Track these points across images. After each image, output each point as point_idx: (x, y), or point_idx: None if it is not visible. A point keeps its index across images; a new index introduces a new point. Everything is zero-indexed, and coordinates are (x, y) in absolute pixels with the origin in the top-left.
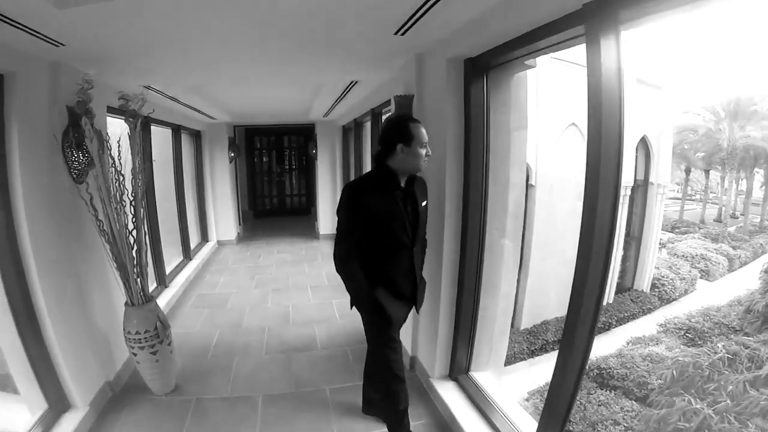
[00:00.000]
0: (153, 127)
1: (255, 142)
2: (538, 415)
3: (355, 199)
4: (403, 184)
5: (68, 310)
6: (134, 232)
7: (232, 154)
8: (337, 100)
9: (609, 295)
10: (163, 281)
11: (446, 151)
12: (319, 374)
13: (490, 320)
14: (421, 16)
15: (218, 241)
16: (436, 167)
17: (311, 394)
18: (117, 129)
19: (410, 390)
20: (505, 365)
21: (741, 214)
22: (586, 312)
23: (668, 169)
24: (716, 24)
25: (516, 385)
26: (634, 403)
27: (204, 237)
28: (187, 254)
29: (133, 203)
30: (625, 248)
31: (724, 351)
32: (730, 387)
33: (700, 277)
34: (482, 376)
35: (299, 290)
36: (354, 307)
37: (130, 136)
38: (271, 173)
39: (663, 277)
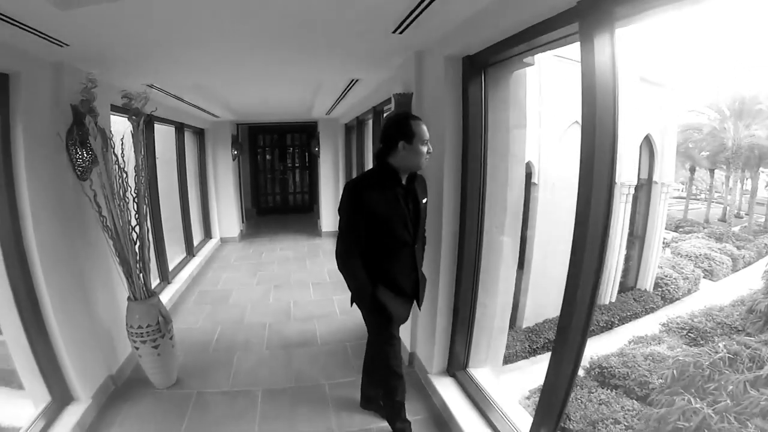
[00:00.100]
0: (156, 125)
1: (258, 140)
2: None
3: (356, 198)
4: (404, 182)
5: (72, 304)
6: (137, 228)
7: (235, 152)
8: (339, 98)
9: (612, 294)
10: (166, 277)
11: (445, 148)
12: (319, 369)
13: (488, 317)
14: (419, 14)
15: (221, 238)
16: (435, 165)
17: (310, 389)
18: (120, 127)
19: (408, 386)
20: (506, 363)
21: (746, 214)
22: (579, 312)
23: (672, 168)
24: (721, 22)
25: (517, 383)
26: (635, 402)
27: (207, 234)
28: (190, 251)
29: (136, 200)
30: (629, 247)
31: (725, 351)
32: (731, 387)
33: (704, 277)
34: (480, 373)
35: (301, 287)
36: (354, 304)
37: (133, 134)
38: (274, 171)
39: (666, 276)
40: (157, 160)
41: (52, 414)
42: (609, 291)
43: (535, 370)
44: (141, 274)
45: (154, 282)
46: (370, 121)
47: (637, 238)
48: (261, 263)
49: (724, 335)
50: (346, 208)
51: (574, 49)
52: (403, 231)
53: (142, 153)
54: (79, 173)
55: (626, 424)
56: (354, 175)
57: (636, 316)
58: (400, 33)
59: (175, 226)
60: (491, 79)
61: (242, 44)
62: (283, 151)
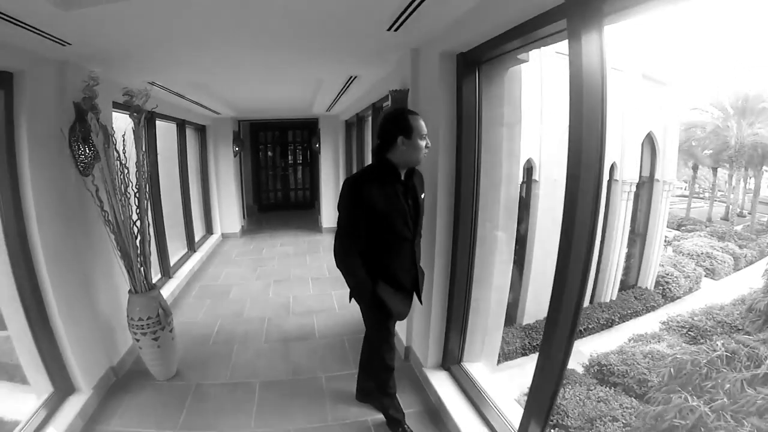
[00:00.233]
0: (158, 122)
1: (260, 137)
2: None
3: (355, 194)
4: (403, 178)
5: (74, 297)
6: (138, 223)
7: (237, 149)
8: (338, 94)
9: (612, 292)
10: (167, 272)
11: (439, 144)
12: (316, 362)
13: (482, 312)
14: (412, 12)
15: (222, 234)
16: (429, 160)
17: (307, 381)
18: (122, 124)
19: (404, 379)
20: (506, 360)
21: (748, 213)
22: (565, 313)
23: (674, 166)
24: (724, 19)
25: (516, 379)
26: (633, 400)
27: (208, 230)
28: (192, 246)
29: (137, 195)
30: (630, 245)
31: (722, 349)
32: (728, 385)
33: (705, 276)
34: (474, 367)
35: (300, 282)
36: (353, 300)
37: (134, 131)
38: (276, 167)
39: (668, 274)
40: (158, 157)
41: (54, 404)
42: (609, 289)
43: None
44: (142, 268)
45: (156, 277)
46: (370, 118)
47: (638, 235)
48: (261, 259)
49: (724, 334)
50: (345, 205)
51: None
52: (403, 226)
53: (143, 149)
54: (81, 169)
55: (624, 421)
56: (354, 172)
57: (636, 314)
58: (395, 30)
59: (177, 222)
60: (485, 75)
61: (242, 43)
62: (285, 147)
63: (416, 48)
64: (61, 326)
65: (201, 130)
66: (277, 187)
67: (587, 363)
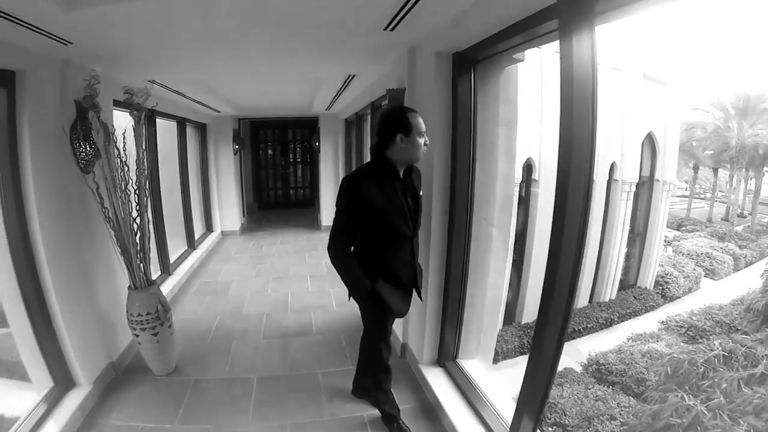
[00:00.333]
0: (159, 120)
1: (260, 135)
2: None
3: (353, 192)
4: (401, 175)
5: (75, 293)
6: (138, 220)
7: (237, 147)
8: (338, 93)
9: (612, 292)
10: (167, 269)
11: (434, 142)
12: (313, 358)
13: (478, 309)
14: (407, 12)
15: (222, 232)
16: (425, 158)
17: (304, 377)
18: (123, 122)
19: (400, 375)
20: (505, 358)
21: (749, 214)
22: (556, 311)
23: (674, 166)
24: (725, 20)
25: (514, 377)
26: (631, 399)
27: (208, 227)
28: (192, 244)
29: (137, 192)
30: (629, 245)
31: (720, 348)
32: (725, 384)
33: (705, 276)
34: (469, 364)
35: (299, 279)
36: (352, 298)
37: (134, 129)
38: (276, 166)
39: (667, 274)
40: (159, 155)
41: (54, 398)
42: (609, 288)
43: None
44: (141, 264)
45: (156, 274)
46: (369, 116)
47: (638, 235)
48: (261, 256)
49: (723, 334)
50: (342, 202)
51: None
52: (402, 224)
53: (144, 147)
54: (82, 166)
55: (622, 420)
56: (353, 170)
57: (636, 313)
58: (392, 30)
59: (177, 219)
60: (481, 75)
61: (242, 42)
62: (285, 146)
63: (413, 47)
64: (62, 322)
65: (201, 128)
66: (277, 185)
67: (585, 362)
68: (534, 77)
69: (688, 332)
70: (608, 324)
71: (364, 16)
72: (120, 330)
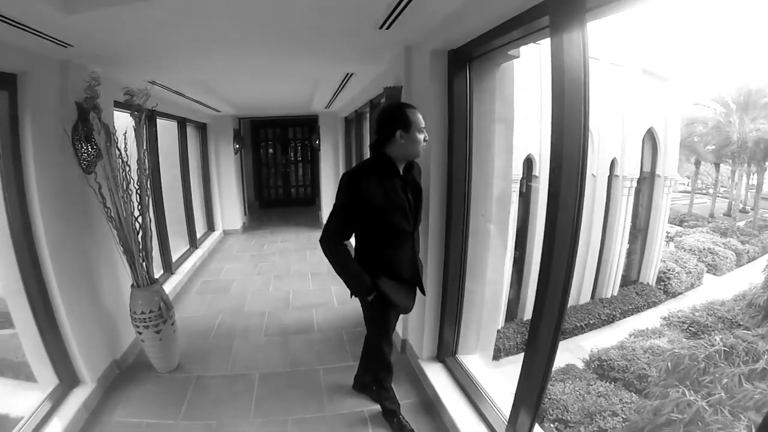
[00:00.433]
0: (159, 120)
1: (260, 134)
2: None
3: (353, 187)
4: (401, 172)
5: (78, 292)
6: (140, 219)
7: (237, 146)
8: (336, 92)
9: (614, 288)
10: (169, 268)
11: (431, 139)
12: (314, 355)
13: (477, 305)
14: (401, 11)
15: (224, 231)
16: (422, 154)
17: (305, 373)
18: (123, 122)
19: (400, 371)
20: (507, 355)
21: (751, 209)
22: (551, 307)
23: (675, 162)
24: (726, 13)
25: (517, 374)
26: (633, 395)
27: (210, 227)
28: (193, 243)
29: (138, 192)
30: (631, 241)
31: (721, 344)
32: (726, 380)
33: (707, 272)
34: (469, 359)
35: (300, 277)
36: (354, 296)
37: (135, 129)
38: (277, 164)
39: (669, 270)
40: (159, 155)
41: (59, 396)
42: (611, 284)
43: None
44: (144, 263)
45: (158, 273)
46: (368, 114)
47: (639, 231)
48: (262, 254)
49: (725, 330)
50: (341, 197)
51: None
52: (402, 220)
53: (145, 147)
54: (84, 167)
55: (624, 416)
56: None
57: (638, 309)
58: (387, 29)
59: (179, 219)
60: (477, 71)
61: (241, 43)
62: (285, 144)
63: (409, 45)
64: (66, 320)
65: (202, 128)
66: (278, 183)
67: (587, 358)
68: (534, 73)
69: (690, 328)
70: (610, 320)
71: (359, 16)
72: (123, 328)
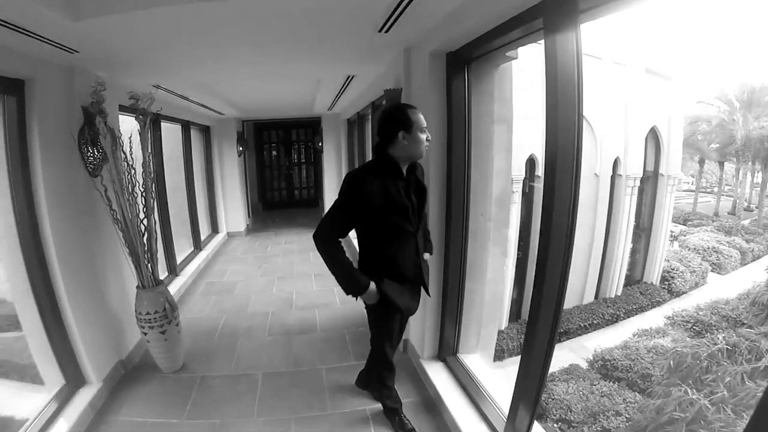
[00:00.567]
0: (163, 124)
1: (264, 136)
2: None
3: (356, 188)
4: (405, 173)
5: (85, 293)
6: (145, 221)
7: (241, 149)
8: (338, 94)
9: (617, 287)
10: (174, 270)
11: (430, 140)
12: (317, 354)
13: (477, 304)
14: (399, 15)
15: (228, 233)
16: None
17: (308, 372)
18: (129, 126)
19: (401, 370)
20: (511, 356)
21: (756, 207)
22: (546, 309)
23: (679, 161)
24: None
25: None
26: (637, 394)
27: (214, 229)
28: (198, 245)
29: (143, 194)
30: (635, 240)
31: (723, 342)
32: (728, 378)
33: (712, 271)
34: (470, 358)
35: (303, 278)
36: (348, 294)
37: (140, 133)
38: (280, 166)
39: (673, 269)
40: (164, 158)
41: (66, 396)
42: (614, 284)
43: None
44: (149, 264)
45: (163, 274)
46: (370, 116)
47: (643, 230)
48: (266, 256)
49: (728, 328)
50: (342, 196)
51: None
52: (405, 222)
53: (149, 150)
54: (90, 170)
55: (627, 416)
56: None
57: (642, 309)
58: (386, 32)
59: (183, 221)
60: (475, 73)
61: (244, 47)
62: (289, 146)
63: (408, 47)
64: (73, 321)
65: (205, 131)
66: (281, 185)
67: (591, 358)
68: (536, 73)
69: (694, 327)
70: (614, 320)
71: (359, 19)
72: (129, 329)
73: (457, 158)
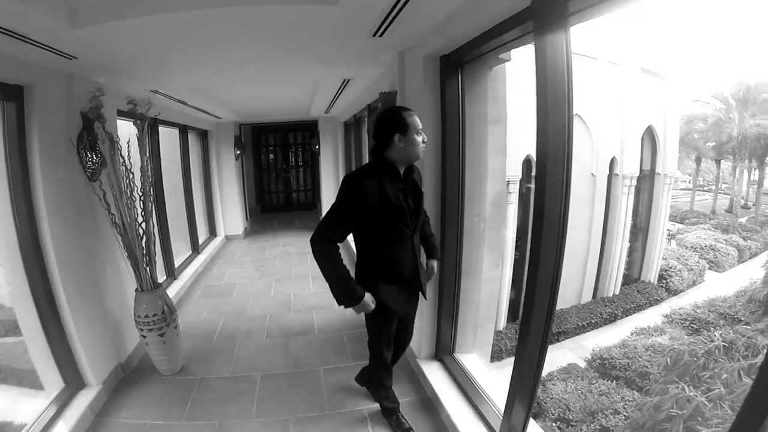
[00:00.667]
0: (161, 128)
1: (261, 140)
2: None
3: (355, 190)
4: (402, 175)
5: (84, 296)
6: (143, 225)
7: (238, 152)
8: (335, 97)
9: (615, 286)
10: (172, 273)
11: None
12: (315, 356)
13: (473, 304)
14: (393, 19)
15: (226, 236)
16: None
17: (306, 373)
18: (127, 131)
19: (399, 370)
20: (510, 356)
21: (753, 205)
22: (539, 311)
23: (675, 159)
24: (723, 8)
25: None
26: (635, 392)
27: (212, 232)
28: (196, 248)
29: (141, 198)
30: (632, 239)
31: (720, 339)
32: (725, 375)
33: (709, 269)
34: (466, 358)
35: (301, 280)
36: (340, 305)
37: (138, 137)
38: (278, 169)
39: (671, 268)
40: (162, 162)
41: (65, 398)
42: (612, 283)
43: None
44: (147, 267)
45: (161, 278)
46: (367, 119)
47: (640, 229)
48: (264, 259)
49: (726, 326)
50: (341, 199)
51: (575, 41)
52: (403, 224)
53: (147, 155)
54: (89, 175)
55: (626, 414)
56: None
57: (640, 308)
58: (380, 36)
59: (181, 225)
60: (469, 75)
61: (241, 51)
62: (286, 150)
63: (402, 51)
64: (72, 324)
65: (203, 135)
66: (279, 188)
67: (589, 357)
68: (533, 75)
69: (692, 325)
70: (612, 319)
71: (353, 24)
72: (128, 332)
73: (452, 159)
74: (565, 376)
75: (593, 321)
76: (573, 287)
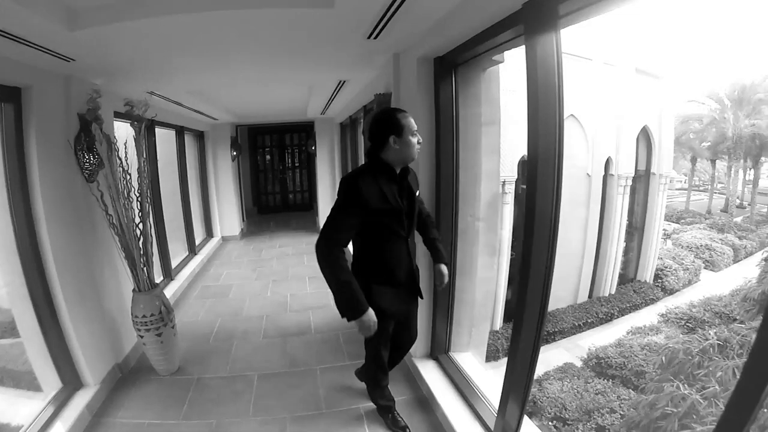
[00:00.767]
0: (158, 129)
1: (258, 141)
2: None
3: (353, 191)
4: (397, 177)
5: (82, 296)
6: (140, 225)
7: (235, 153)
8: (330, 98)
9: (611, 286)
10: (169, 274)
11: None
12: (312, 355)
13: (468, 303)
14: (387, 22)
15: (222, 237)
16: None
17: (303, 373)
18: (124, 132)
19: (395, 369)
20: (505, 355)
21: (748, 204)
22: (531, 310)
23: (670, 159)
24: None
25: None
26: (631, 391)
27: (209, 233)
28: (192, 249)
29: (139, 199)
30: (628, 239)
31: (714, 338)
32: (720, 373)
33: (705, 268)
34: (461, 357)
35: (298, 280)
36: (343, 317)
37: (135, 139)
38: (274, 170)
39: (667, 267)
40: (159, 163)
41: (63, 398)
42: (608, 283)
43: None
44: (145, 268)
45: (158, 279)
46: (362, 120)
47: (636, 229)
48: (261, 259)
49: (721, 325)
50: (341, 201)
51: (569, 43)
52: (398, 226)
53: (144, 156)
54: (86, 176)
55: (622, 413)
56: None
57: (636, 307)
58: (375, 38)
59: (178, 225)
60: (462, 77)
61: (238, 54)
62: (282, 151)
63: (397, 53)
64: (70, 324)
65: (200, 136)
66: (275, 189)
67: (585, 356)
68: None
69: (688, 324)
70: (608, 319)
71: (348, 26)
72: (125, 332)
73: (446, 160)
74: (562, 376)
75: (589, 320)
76: (569, 287)
